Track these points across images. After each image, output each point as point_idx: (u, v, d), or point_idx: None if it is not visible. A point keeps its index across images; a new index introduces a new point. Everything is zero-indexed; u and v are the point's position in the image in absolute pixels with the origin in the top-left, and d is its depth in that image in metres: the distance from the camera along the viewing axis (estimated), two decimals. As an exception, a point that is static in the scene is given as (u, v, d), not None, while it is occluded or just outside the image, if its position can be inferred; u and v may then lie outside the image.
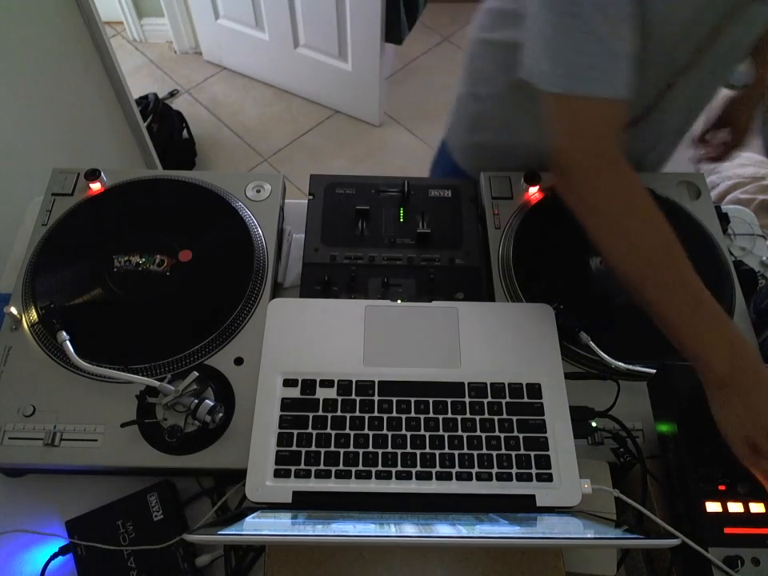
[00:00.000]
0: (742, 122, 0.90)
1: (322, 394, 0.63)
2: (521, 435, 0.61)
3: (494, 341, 0.66)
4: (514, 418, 0.62)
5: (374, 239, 0.81)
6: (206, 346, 0.69)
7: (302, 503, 0.57)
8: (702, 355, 0.56)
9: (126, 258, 0.76)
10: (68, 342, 0.66)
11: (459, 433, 0.61)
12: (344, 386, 0.63)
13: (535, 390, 0.63)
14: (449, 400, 0.62)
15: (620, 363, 0.67)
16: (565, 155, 0.62)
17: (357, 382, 0.63)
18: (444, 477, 0.59)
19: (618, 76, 0.59)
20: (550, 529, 0.54)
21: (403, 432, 0.61)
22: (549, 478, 0.59)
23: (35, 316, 0.71)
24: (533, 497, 0.58)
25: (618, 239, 0.60)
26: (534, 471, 0.59)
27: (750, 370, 0.55)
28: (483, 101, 0.86)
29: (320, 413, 0.62)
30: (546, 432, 0.61)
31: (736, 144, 0.92)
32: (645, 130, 0.79)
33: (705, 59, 0.68)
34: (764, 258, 0.86)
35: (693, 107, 0.78)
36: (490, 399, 0.63)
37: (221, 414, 0.63)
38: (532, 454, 0.60)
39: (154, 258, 0.76)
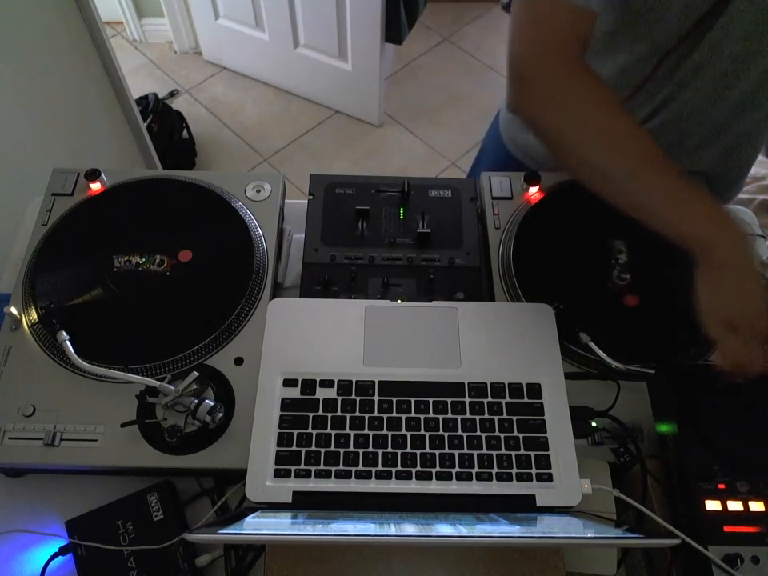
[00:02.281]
0: None
1: (321, 394, 0.63)
2: (521, 435, 0.61)
3: (493, 341, 0.66)
4: (514, 418, 0.62)
5: (374, 239, 0.81)
6: (206, 346, 0.69)
7: (302, 503, 0.57)
8: (703, 236, 0.56)
9: (126, 258, 0.76)
10: (68, 342, 0.66)
11: (459, 433, 0.61)
12: (344, 386, 0.63)
13: (535, 389, 0.63)
14: (449, 400, 0.62)
15: (620, 363, 0.67)
16: (529, 62, 0.62)
17: (357, 382, 0.63)
18: (444, 477, 0.59)
19: None
20: (549, 528, 0.54)
21: (403, 432, 0.61)
22: (549, 478, 0.59)
23: (35, 316, 0.71)
24: (533, 497, 0.58)
25: (593, 136, 0.60)
26: (533, 471, 0.59)
27: (745, 256, 0.57)
28: None
29: (320, 413, 0.62)
30: (546, 432, 0.61)
31: None
32: (642, 102, 0.79)
33: (698, 41, 0.68)
34: (764, 258, 0.86)
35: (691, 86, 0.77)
36: (489, 399, 0.63)
37: (221, 414, 0.63)
38: (532, 453, 0.60)
39: (154, 258, 0.76)
